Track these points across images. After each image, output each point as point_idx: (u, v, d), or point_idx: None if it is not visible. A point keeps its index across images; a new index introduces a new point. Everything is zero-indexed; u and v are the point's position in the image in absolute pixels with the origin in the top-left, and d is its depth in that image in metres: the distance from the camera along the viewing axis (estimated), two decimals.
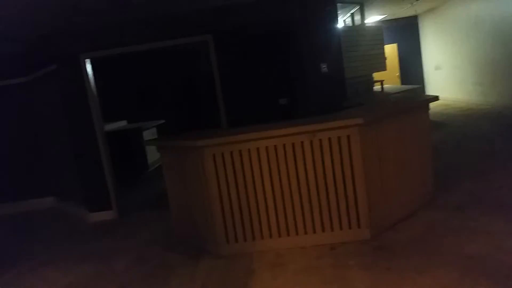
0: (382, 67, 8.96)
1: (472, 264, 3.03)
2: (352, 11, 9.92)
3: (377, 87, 9.61)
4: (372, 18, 12.39)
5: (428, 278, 2.94)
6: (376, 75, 9.60)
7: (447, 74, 12.33)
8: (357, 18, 10.16)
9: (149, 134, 8.80)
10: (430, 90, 13.60)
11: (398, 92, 8.69)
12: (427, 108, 4.49)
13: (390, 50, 13.47)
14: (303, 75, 5.73)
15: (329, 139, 3.63)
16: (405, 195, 4.11)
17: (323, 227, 3.76)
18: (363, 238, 3.70)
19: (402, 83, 13.80)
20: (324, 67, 5.81)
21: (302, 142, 3.66)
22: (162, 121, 9.66)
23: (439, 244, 3.43)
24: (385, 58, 9.09)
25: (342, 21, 11.15)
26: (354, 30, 8.74)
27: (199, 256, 3.98)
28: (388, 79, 12.60)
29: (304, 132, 3.63)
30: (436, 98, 4.53)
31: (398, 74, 13.90)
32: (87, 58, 5.63)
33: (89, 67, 5.67)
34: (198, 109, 9.93)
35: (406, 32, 13.84)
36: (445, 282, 2.86)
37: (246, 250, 3.85)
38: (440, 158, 5.84)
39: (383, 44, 9.11)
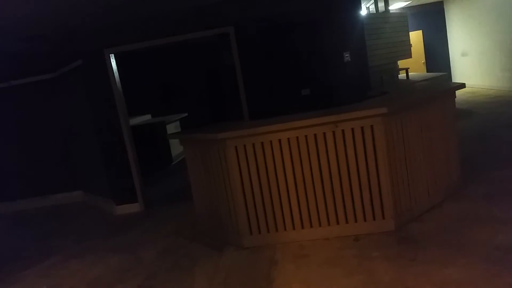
0: (407, 54, 8.78)
1: (500, 255, 2.96)
2: None
3: (402, 75, 9.44)
4: (396, 5, 12.13)
5: (454, 269, 2.90)
6: (401, 63, 9.42)
7: (474, 61, 11.99)
8: (381, 5, 9.97)
9: (172, 128, 8.89)
10: (456, 77, 13.27)
11: (424, 80, 8.51)
12: (453, 95, 4.39)
13: (415, 37, 13.17)
14: (326, 65, 5.66)
15: (352, 129, 3.60)
16: (431, 185, 4.04)
17: (347, 219, 3.73)
18: (388, 229, 3.66)
19: (428, 70, 13.50)
20: (347, 56, 5.73)
21: (324, 133, 3.64)
22: (185, 115, 9.73)
23: (466, 235, 3.37)
24: (410, 45, 8.90)
25: (366, 8, 10.97)
26: (377, 17, 8.56)
27: (223, 248, 4.02)
28: (414, 66, 12.35)
29: (326, 123, 3.60)
30: (462, 85, 4.42)
31: (423, 61, 13.61)
32: (111, 53, 5.71)
33: (113, 62, 5.75)
34: (220, 101, 9.95)
35: (432, 18, 13.50)
36: (471, 274, 2.81)
37: (269, 242, 3.86)
38: (467, 147, 5.72)
39: (407, 31, 8.92)
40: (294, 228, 3.83)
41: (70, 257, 4.59)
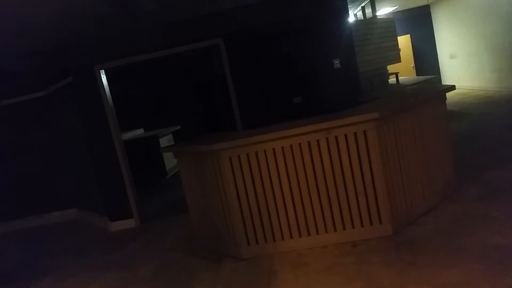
0: (396, 59, 8.85)
1: (498, 255, 2.96)
2: (362, 4, 9.83)
3: (392, 80, 9.50)
4: (384, 10, 12.25)
5: (453, 272, 2.89)
6: (391, 68, 9.48)
7: (463, 63, 12.11)
8: (368, 11, 10.07)
9: (165, 141, 8.85)
10: (446, 80, 13.38)
11: (414, 84, 8.56)
12: (444, 98, 4.41)
13: (404, 41, 13.30)
14: (316, 72, 5.68)
15: (345, 135, 3.60)
16: (426, 188, 4.05)
17: (344, 225, 3.72)
18: (386, 234, 3.66)
19: (417, 74, 13.61)
20: (337, 63, 5.76)
21: (317, 140, 3.64)
22: (178, 127, 9.71)
23: (463, 237, 3.37)
24: (399, 50, 8.97)
25: (353, 15, 11.06)
26: (365, 24, 8.64)
27: (221, 260, 3.99)
28: (403, 70, 12.46)
29: (319, 130, 3.60)
30: (452, 87, 4.45)
31: (412, 65, 13.72)
32: (102, 69, 5.70)
33: (104, 78, 5.73)
34: (212, 112, 9.95)
35: (419, 22, 13.65)
36: (470, 275, 2.80)
37: (267, 252, 3.84)
38: (460, 148, 5.74)
39: (396, 36, 9.00)
40: (291, 237, 3.81)
41: (67, 276, 4.52)
